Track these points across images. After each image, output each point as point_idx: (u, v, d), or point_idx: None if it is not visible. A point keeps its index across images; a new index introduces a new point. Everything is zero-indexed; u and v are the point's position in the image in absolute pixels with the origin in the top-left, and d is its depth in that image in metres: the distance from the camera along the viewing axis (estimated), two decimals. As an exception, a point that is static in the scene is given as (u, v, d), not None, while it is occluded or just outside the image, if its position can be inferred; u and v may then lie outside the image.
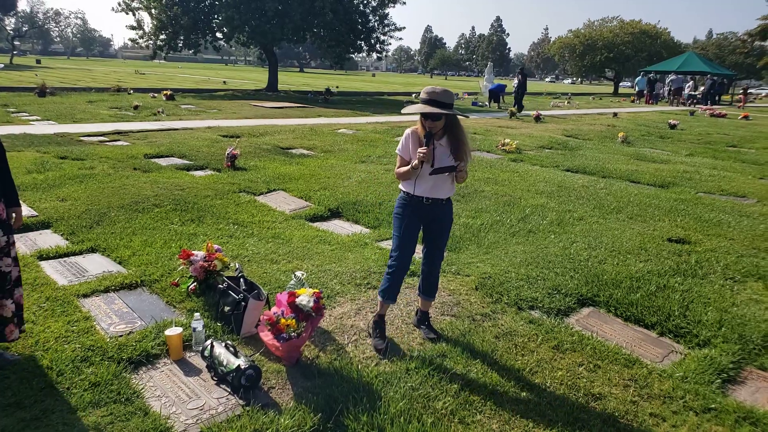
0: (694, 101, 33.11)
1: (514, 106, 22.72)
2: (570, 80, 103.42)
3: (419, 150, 3.21)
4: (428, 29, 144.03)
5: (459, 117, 3.32)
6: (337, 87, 34.26)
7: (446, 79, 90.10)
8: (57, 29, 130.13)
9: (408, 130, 3.40)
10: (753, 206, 7.61)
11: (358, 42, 30.20)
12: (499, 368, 3.27)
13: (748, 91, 38.54)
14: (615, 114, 22.21)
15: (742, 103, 32.99)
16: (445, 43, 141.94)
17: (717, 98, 36.10)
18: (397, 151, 3.46)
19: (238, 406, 2.84)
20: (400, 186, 3.51)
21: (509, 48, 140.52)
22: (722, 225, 6.53)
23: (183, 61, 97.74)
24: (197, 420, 2.72)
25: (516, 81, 24.07)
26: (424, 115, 3.22)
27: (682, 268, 5.02)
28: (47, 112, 14.38)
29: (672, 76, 35.85)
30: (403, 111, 3.47)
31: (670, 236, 5.98)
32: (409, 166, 3.31)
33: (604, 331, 3.86)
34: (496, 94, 26.20)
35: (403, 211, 3.47)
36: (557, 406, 2.93)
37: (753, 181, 9.55)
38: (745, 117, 23.48)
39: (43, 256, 4.72)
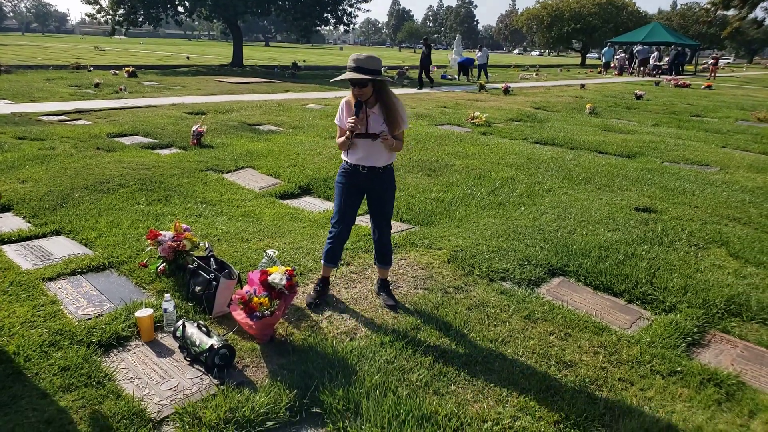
0: (659, 71, 33.55)
1: (421, 84, 20.48)
2: (538, 52, 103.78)
3: (348, 119, 3.28)
4: (395, 1, 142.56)
5: (390, 84, 3.37)
6: (304, 61, 33.83)
7: (414, 51, 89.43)
8: (10, 4, 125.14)
9: (343, 100, 3.46)
10: (716, 174, 7.79)
11: (325, 14, 29.71)
12: (472, 339, 3.31)
13: (719, 61, 38.87)
14: (582, 85, 22.40)
15: (711, 73, 33.45)
16: (413, 16, 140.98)
17: (681, 68, 36.65)
18: (335, 121, 3.51)
19: (213, 385, 2.82)
20: (342, 155, 3.57)
21: (477, 20, 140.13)
22: (687, 193, 6.67)
23: (144, 37, 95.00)
24: (171, 401, 2.69)
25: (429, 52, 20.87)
26: (351, 83, 3.22)
27: (648, 236, 5.12)
28: (2, 91, 13.84)
29: (638, 47, 36.24)
30: (331, 81, 3.52)
31: (637, 205, 6.09)
32: (344, 137, 3.36)
33: (574, 300, 3.93)
34: (465, 67, 26.18)
35: (342, 180, 3.57)
36: (529, 374, 2.99)
37: (716, 149, 9.77)
38: (708, 87, 23.92)
39: (5, 239, 4.57)
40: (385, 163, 3.49)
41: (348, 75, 3.19)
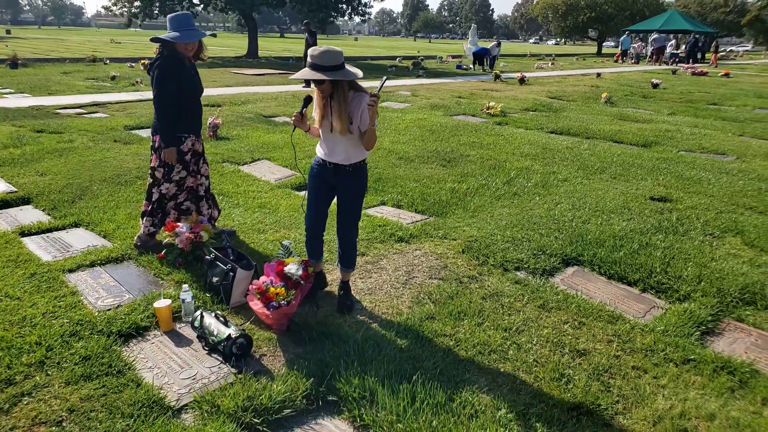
0: (677, 60, 33.04)
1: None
2: (554, 41, 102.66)
3: (294, 114, 3.30)
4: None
5: (355, 79, 3.19)
6: (319, 53, 33.67)
7: (430, 41, 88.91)
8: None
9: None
10: (732, 163, 7.70)
11: (340, 5, 29.65)
12: (486, 328, 3.33)
13: (719, 48, 38.08)
14: (598, 74, 22.17)
15: (713, 62, 32.87)
16: (428, 6, 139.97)
17: (701, 56, 36.06)
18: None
19: (231, 374, 2.87)
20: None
21: (492, 9, 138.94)
22: (702, 182, 6.61)
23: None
24: (190, 389, 2.75)
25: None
26: (313, 81, 3.16)
27: (663, 225, 5.10)
28: (21, 85, 14.03)
29: (654, 35, 35.73)
30: (290, 77, 3.45)
31: (653, 195, 6.05)
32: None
33: (588, 289, 3.94)
34: (480, 56, 26.01)
35: (312, 173, 3.48)
36: (543, 362, 3.01)
37: (732, 138, 9.64)
38: (726, 74, 23.56)
39: (25, 232, 4.66)
40: (353, 161, 3.31)
41: (304, 74, 3.09)
